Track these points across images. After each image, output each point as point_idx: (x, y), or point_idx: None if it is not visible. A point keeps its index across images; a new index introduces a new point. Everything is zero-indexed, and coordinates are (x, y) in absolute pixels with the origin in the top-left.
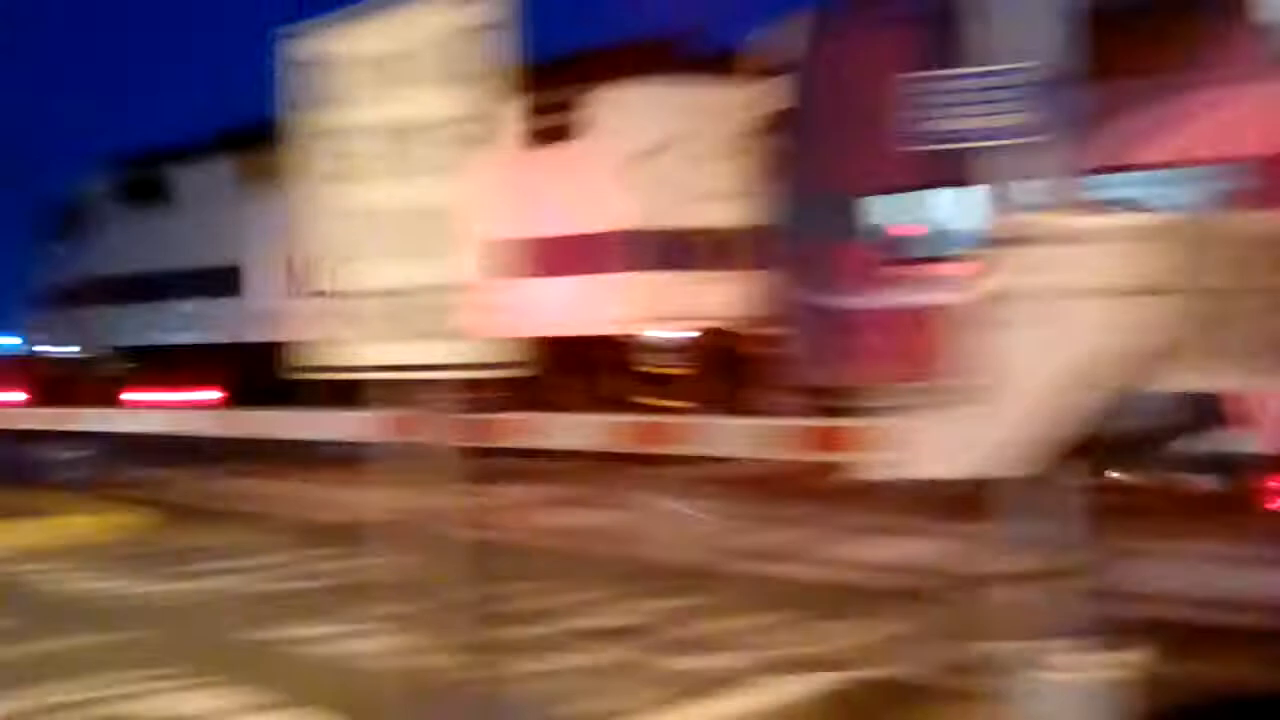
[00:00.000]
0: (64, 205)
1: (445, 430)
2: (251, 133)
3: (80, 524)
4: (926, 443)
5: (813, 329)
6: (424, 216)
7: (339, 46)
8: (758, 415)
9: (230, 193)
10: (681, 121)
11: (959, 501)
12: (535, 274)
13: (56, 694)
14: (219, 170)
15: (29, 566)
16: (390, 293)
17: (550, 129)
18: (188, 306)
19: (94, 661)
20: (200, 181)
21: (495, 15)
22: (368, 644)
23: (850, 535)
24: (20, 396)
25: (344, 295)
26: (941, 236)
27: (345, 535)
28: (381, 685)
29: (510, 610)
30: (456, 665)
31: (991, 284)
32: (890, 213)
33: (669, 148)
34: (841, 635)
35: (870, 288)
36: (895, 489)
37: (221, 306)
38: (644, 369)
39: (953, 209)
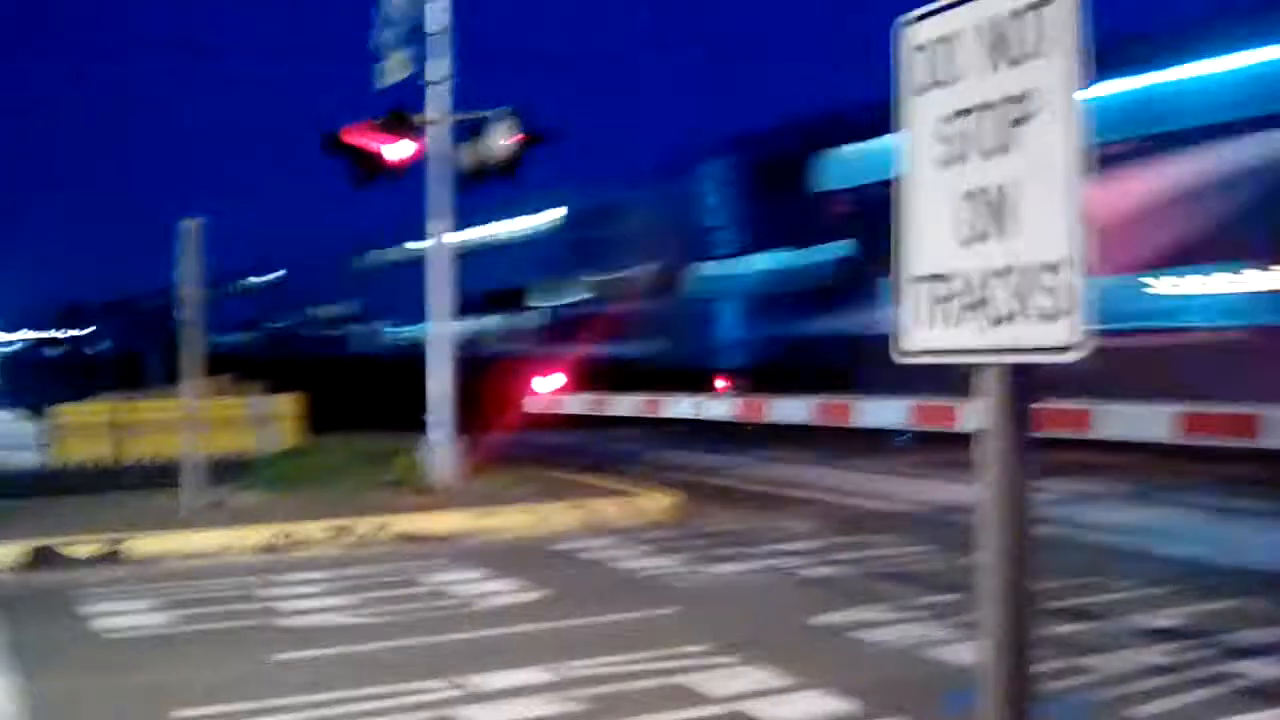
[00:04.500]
0: None
1: (1015, 419)
2: None
3: (619, 506)
4: None
5: None
6: (1026, 195)
7: (955, 24)
8: None
9: None
10: None
11: None
12: None
13: (611, 662)
14: None
15: (571, 546)
16: (988, 273)
17: None
18: None
19: (634, 635)
20: None
21: None
22: (895, 631)
23: None
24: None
25: (938, 279)
26: None
27: (888, 523)
28: (901, 673)
29: (1059, 606)
30: (998, 661)
31: None
32: None
33: None
34: None
35: None
36: None
37: None
38: None
39: None
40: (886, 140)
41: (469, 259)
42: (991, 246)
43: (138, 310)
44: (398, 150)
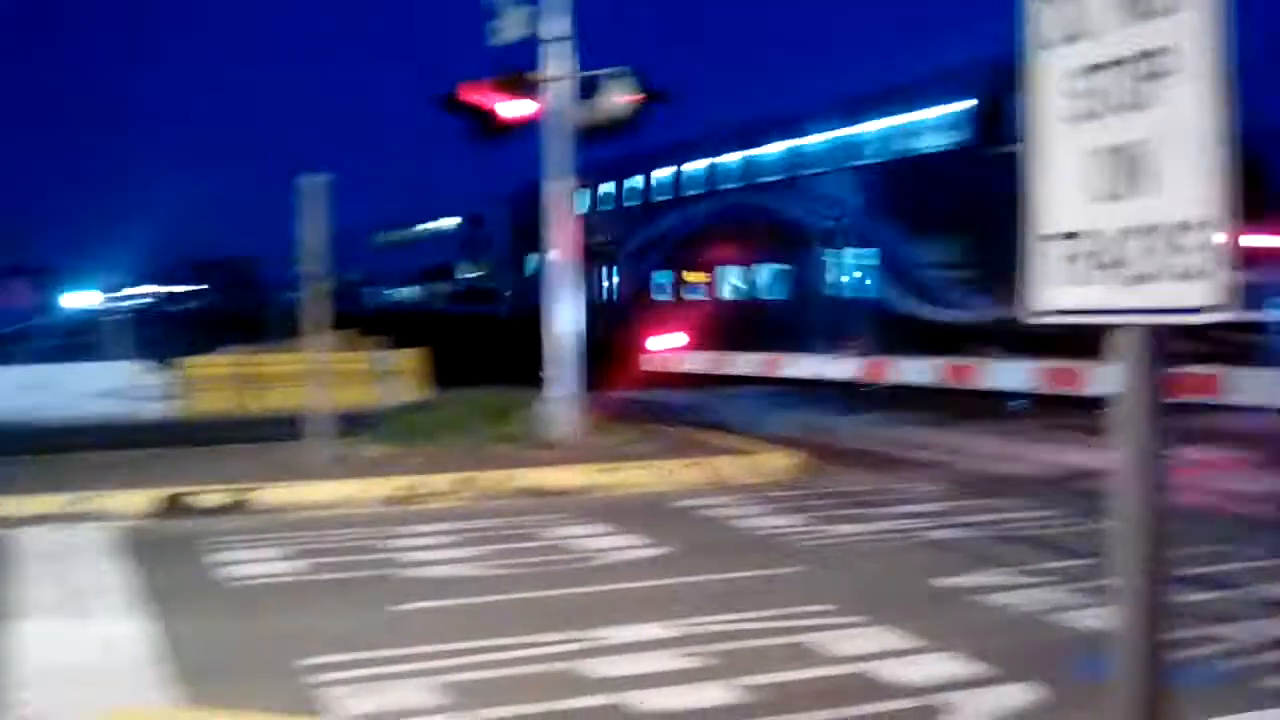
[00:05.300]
0: None
1: (1150, 381)
2: None
3: (739, 464)
4: None
5: None
6: (1162, 153)
7: None
8: None
9: None
10: None
11: None
12: None
13: (734, 619)
14: None
15: (693, 503)
16: (1123, 232)
17: None
18: None
19: (757, 594)
20: None
21: None
22: (1022, 595)
23: None
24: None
25: (1069, 237)
26: None
27: (1011, 486)
28: (1028, 637)
29: (1191, 574)
30: (1128, 626)
31: None
32: None
33: None
34: None
35: None
36: None
37: None
38: None
39: None
40: (615, 183)
41: (408, 246)
42: (1126, 205)
43: (236, 268)
44: (514, 109)
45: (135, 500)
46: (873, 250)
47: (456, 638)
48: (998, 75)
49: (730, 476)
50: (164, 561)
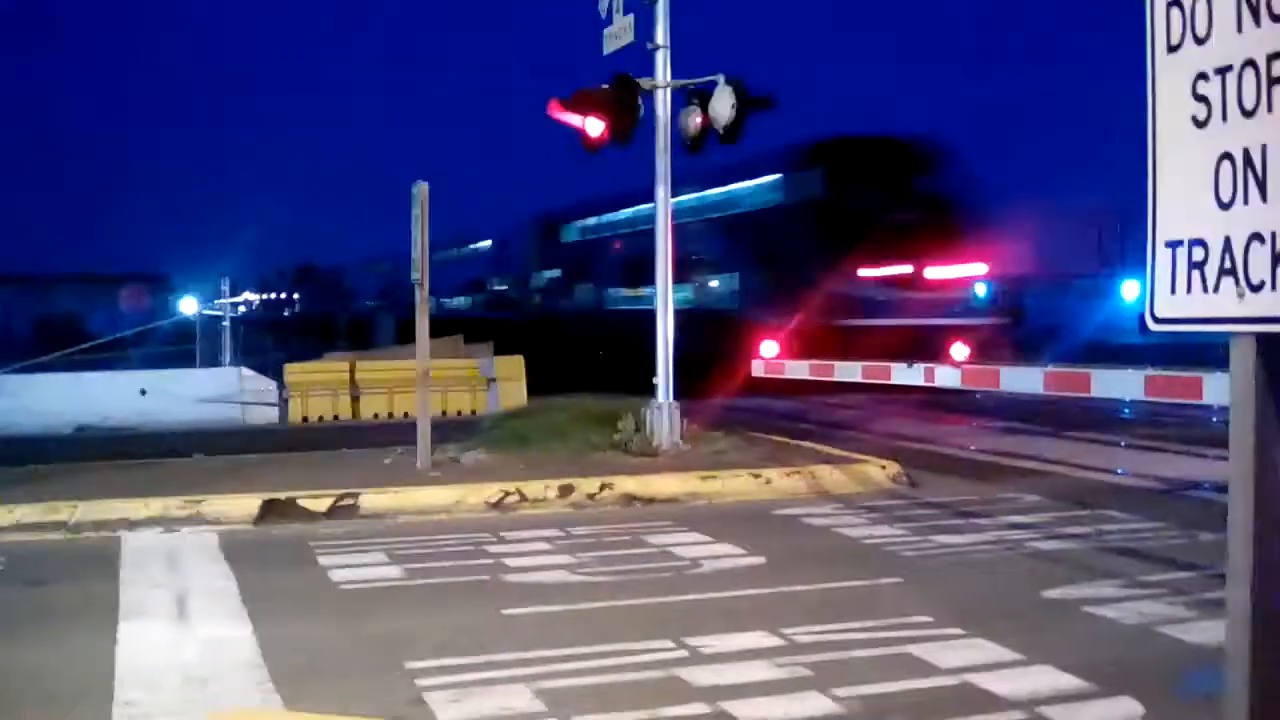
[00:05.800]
0: None
1: (1268, 392)
2: None
3: (842, 473)
4: None
5: None
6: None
7: None
8: None
9: None
10: None
11: None
12: None
13: (835, 629)
14: None
15: (793, 511)
16: (1244, 238)
17: None
18: None
19: (860, 603)
20: None
21: None
22: (1130, 608)
23: None
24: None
25: (1192, 243)
26: None
27: (1119, 496)
28: (1136, 651)
29: None
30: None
31: None
32: None
33: None
34: None
35: None
36: None
37: None
38: None
39: None
40: (584, 220)
41: (456, 262)
42: (1248, 210)
43: (325, 276)
44: (616, 120)
45: (240, 505)
46: (733, 275)
47: (559, 643)
48: (798, 153)
49: (831, 485)
50: (269, 565)
